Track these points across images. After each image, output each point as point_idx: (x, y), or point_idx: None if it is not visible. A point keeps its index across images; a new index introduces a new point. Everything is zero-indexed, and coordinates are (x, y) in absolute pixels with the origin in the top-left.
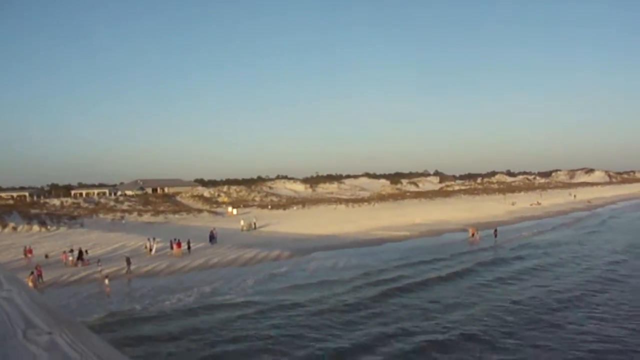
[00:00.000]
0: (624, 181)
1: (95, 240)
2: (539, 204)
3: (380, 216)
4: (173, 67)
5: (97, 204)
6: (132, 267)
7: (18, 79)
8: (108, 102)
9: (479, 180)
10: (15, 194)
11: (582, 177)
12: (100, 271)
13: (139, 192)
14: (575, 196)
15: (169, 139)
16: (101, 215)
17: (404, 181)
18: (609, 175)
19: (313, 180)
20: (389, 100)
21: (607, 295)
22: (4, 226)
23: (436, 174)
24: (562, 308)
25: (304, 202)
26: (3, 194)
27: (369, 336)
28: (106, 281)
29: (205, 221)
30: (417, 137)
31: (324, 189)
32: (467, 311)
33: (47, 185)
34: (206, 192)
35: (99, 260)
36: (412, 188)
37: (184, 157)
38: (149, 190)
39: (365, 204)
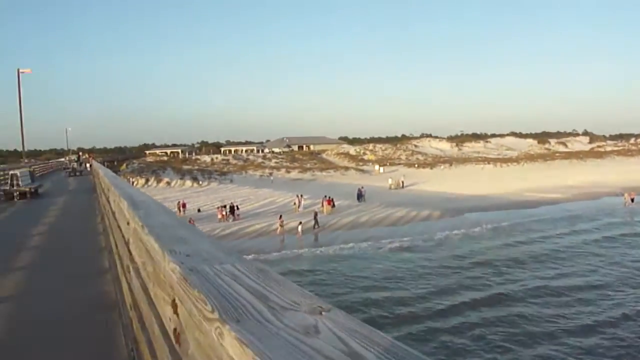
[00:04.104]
0: None
1: (245, 195)
2: None
3: (531, 177)
4: (316, 27)
5: (246, 160)
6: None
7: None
8: (254, 62)
9: (632, 140)
10: (168, 151)
11: None
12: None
13: (285, 150)
14: None
15: (313, 98)
16: (250, 172)
17: (552, 141)
18: None
19: (458, 139)
20: (534, 59)
21: None
22: (159, 181)
23: (585, 133)
24: None
25: (450, 160)
26: (157, 151)
27: None
28: None
29: (351, 179)
30: (562, 95)
31: (469, 147)
32: None
33: (198, 143)
34: (352, 150)
35: (280, 215)
36: (561, 148)
37: (328, 115)
38: (295, 148)
39: (514, 164)
